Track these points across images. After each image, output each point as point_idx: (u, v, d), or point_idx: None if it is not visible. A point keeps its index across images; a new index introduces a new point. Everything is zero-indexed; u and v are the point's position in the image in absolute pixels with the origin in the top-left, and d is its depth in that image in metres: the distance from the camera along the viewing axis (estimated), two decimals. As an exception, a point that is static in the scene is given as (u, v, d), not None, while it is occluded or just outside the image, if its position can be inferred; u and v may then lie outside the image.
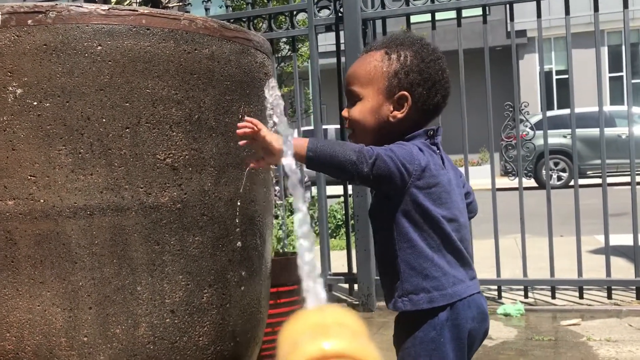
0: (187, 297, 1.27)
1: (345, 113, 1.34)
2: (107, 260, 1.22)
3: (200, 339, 1.30)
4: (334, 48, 3.93)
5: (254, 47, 1.42)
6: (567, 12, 3.34)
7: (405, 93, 1.28)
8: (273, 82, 1.04)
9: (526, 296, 3.54)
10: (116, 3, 2.04)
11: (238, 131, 1.15)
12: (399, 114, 1.28)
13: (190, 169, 1.27)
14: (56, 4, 1.23)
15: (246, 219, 1.39)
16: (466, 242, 1.28)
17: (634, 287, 3.39)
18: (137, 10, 1.25)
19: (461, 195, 1.31)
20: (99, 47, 1.21)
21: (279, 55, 12.37)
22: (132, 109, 1.23)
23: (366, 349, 0.45)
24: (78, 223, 1.20)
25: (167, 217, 1.25)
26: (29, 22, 1.20)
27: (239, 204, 1.36)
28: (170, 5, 2.13)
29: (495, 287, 3.61)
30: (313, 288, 0.52)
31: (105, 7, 1.24)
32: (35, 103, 1.19)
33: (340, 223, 6.34)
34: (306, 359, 0.44)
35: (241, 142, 1.19)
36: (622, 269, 3.91)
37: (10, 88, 1.20)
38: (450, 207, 1.26)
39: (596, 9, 3.31)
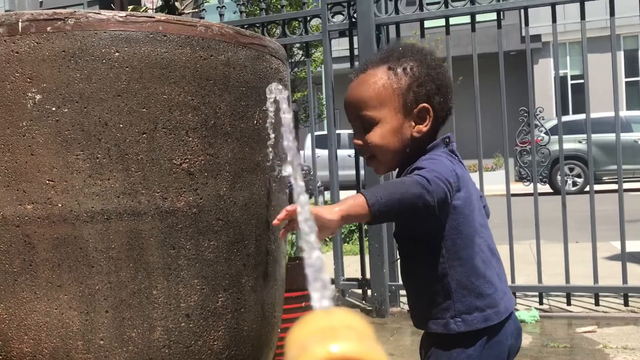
0: (202, 301, 1.28)
1: (359, 141, 1.25)
2: (123, 264, 1.23)
3: (215, 343, 1.31)
4: (347, 53, 3.93)
5: (270, 53, 1.43)
6: (583, 16, 3.32)
7: (426, 105, 1.22)
8: (277, 90, 0.93)
9: (541, 302, 3.52)
10: (132, 10, 2.06)
11: (275, 222, 1.09)
12: (423, 128, 1.22)
13: (206, 174, 1.28)
14: (75, 11, 1.25)
15: (261, 224, 1.40)
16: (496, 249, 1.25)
17: (651, 294, 3.35)
18: (154, 17, 1.27)
19: (479, 200, 1.28)
20: (117, 54, 1.22)
21: (293, 60, 12.41)
22: (149, 114, 1.24)
23: (373, 351, 0.46)
24: (95, 227, 1.21)
25: (182, 222, 1.26)
26: (48, 29, 1.22)
27: (253, 208, 1.37)
28: (185, 11, 2.15)
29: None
30: (320, 291, 0.53)
31: (123, 13, 1.26)
32: (53, 109, 1.21)
33: (353, 228, 6.33)
34: None
35: (281, 234, 1.16)
36: (639, 275, 3.87)
37: (29, 94, 1.21)
38: (481, 214, 1.22)
39: (612, 13, 3.29)
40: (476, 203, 1.21)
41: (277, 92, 1.29)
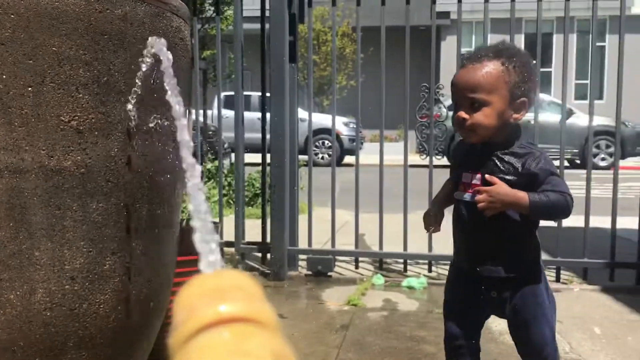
0: (89, 264, 1.25)
1: (465, 115, 1.60)
2: (3, 223, 1.16)
3: (101, 306, 1.28)
4: (259, 13, 3.86)
5: (170, 10, 1.38)
6: (486, -1, 3.45)
7: (525, 99, 1.58)
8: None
9: (430, 270, 3.71)
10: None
11: (480, 205, 1.54)
12: (519, 117, 1.59)
13: (96, 133, 1.23)
14: (-47, -54, 1.14)
15: (154, 187, 1.37)
16: None
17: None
18: (44, -38, 1.18)
19: None
20: (1, -2, 1.13)
21: (204, 16, 12.00)
22: (36, 67, 1.17)
23: (261, 310, 0.46)
24: (-28, 183, 1.14)
25: (69, 182, 1.21)
26: None
27: (146, 171, 1.33)
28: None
29: (402, 260, 3.75)
30: (208, 253, 0.52)
31: (9, -45, 1.16)
32: None
33: (258, 192, 6.33)
34: (202, 324, 0.44)
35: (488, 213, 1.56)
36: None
37: None
38: None
39: (513, -2, 3.45)
40: None
41: (156, 47, 1.19)
